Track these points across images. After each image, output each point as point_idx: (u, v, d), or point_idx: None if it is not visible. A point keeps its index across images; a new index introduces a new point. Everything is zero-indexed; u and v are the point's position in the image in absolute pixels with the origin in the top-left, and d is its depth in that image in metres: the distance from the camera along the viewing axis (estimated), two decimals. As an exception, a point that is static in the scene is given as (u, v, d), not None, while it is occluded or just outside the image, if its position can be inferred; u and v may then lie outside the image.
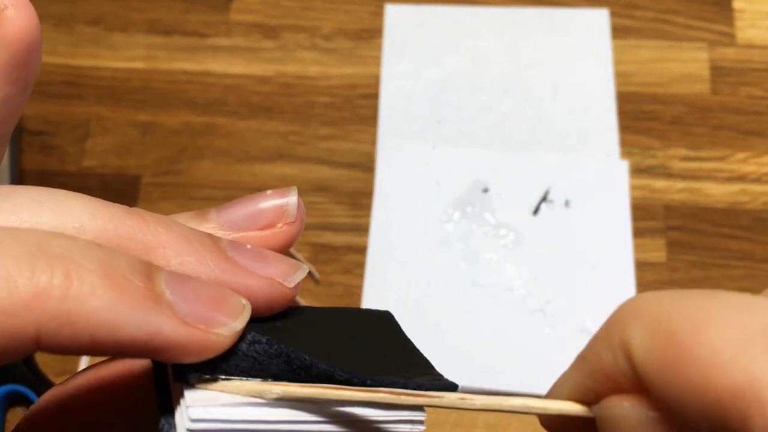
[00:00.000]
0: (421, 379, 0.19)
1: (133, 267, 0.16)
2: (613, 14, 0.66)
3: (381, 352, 0.20)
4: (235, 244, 0.19)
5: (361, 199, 0.61)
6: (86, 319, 0.15)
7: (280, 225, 0.20)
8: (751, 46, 0.65)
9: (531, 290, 0.57)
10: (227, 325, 0.17)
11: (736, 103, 0.63)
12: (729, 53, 0.64)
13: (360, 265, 0.58)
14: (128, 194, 0.61)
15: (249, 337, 0.18)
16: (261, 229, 0.20)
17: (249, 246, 0.20)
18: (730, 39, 0.65)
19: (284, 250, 0.20)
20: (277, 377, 0.18)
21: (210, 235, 0.19)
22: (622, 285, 0.57)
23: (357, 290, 0.58)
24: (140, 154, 0.62)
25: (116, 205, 0.18)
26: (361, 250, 0.59)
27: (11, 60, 0.18)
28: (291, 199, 0.20)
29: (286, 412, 0.18)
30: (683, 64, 0.64)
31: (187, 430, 0.17)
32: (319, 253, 0.59)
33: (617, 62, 0.64)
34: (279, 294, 0.19)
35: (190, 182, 0.61)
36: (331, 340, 0.20)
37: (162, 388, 0.19)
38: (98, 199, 0.18)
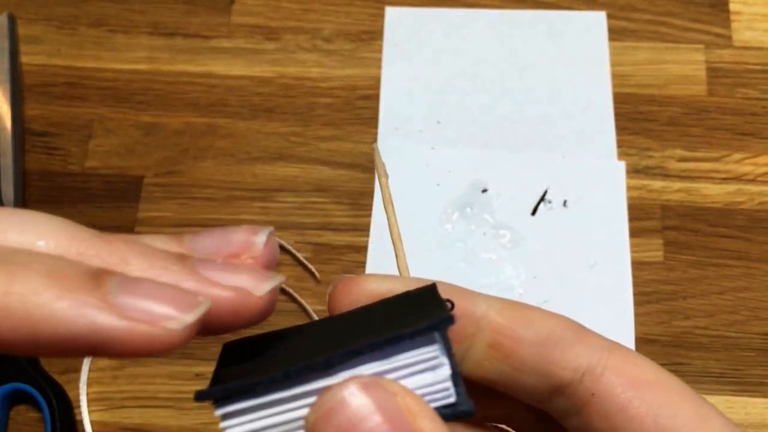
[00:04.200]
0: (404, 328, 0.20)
1: (80, 270, 0.17)
2: (610, 16, 0.67)
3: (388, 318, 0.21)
4: (204, 261, 0.20)
5: (361, 199, 0.61)
6: (26, 314, 0.17)
7: (244, 257, 0.21)
8: (747, 48, 0.65)
9: (529, 289, 0.58)
10: (176, 318, 0.18)
11: (733, 105, 0.63)
12: (725, 55, 0.65)
13: (360, 265, 0.59)
14: (131, 194, 0.61)
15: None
16: (225, 257, 0.21)
17: (219, 261, 0.21)
18: (726, 41, 0.65)
19: None
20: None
21: (177, 254, 0.20)
22: (620, 284, 0.57)
23: (357, 289, 0.58)
24: (143, 155, 0.63)
25: (86, 228, 0.19)
26: (362, 249, 0.59)
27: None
28: (260, 237, 0.22)
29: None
30: (680, 66, 0.65)
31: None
32: (320, 253, 0.59)
33: (614, 64, 0.65)
34: (245, 302, 0.20)
35: (192, 182, 0.62)
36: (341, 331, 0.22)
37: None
38: (69, 221, 0.19)
